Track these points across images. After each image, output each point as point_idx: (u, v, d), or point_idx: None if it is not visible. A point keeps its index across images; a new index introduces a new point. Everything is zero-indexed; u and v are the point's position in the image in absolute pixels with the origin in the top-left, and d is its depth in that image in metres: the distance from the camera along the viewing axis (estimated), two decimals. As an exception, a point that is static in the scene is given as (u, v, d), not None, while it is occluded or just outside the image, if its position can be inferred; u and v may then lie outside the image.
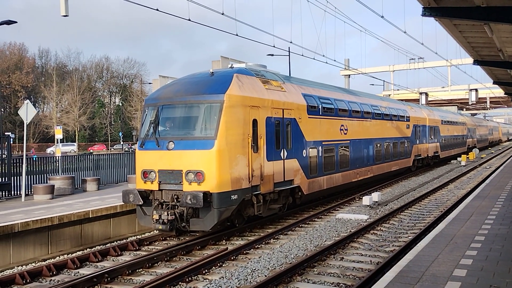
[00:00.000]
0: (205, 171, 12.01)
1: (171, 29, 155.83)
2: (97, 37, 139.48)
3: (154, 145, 12.93)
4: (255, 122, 13.32)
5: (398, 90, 61.15)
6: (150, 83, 78.11)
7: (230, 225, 13.66)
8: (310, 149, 16.49)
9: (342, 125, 19.22)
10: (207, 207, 11.95)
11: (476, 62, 21.23)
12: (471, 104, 59.59)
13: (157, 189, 12.73)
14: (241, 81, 13.38)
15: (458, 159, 39.67)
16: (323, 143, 17.47)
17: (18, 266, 11.11)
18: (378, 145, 23.23)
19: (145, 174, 12.94)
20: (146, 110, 13.73)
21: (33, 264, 11.31)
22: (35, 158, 21.10)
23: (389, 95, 60.36)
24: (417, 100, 49.28)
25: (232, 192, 12.31)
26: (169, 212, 12.12)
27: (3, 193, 16.92)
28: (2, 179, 16.88)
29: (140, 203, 12.75)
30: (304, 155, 16.04)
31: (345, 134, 19.52)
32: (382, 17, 18.93)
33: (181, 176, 12.31)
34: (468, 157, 41.15)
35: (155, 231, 14.05)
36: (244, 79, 13.66)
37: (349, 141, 19.84)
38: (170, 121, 13.21)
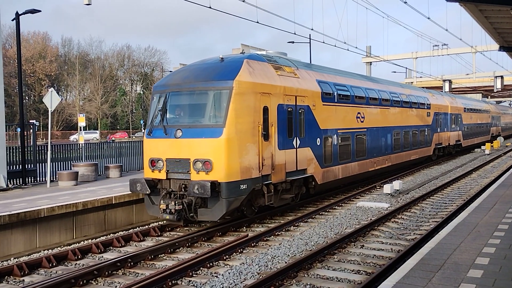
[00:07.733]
0: (213, 160, 11.67)
1: (218, 24, 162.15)
2: (145, 29, 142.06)
3: (161, 133, 12.62)
4: (266, 109, 12.86)
5: (421, 77, 60.24)
6: (171, 71, 78.54)
7: (241, 215, 13.40)
8: (325, 138, 16.07)
9: (358, 113, 18.80)
10: (216, 197, 11.63)
11: (502, 48, 20.79)
12: (496, 92, 58.42)
13: (165, 178, 12.41)
14: (252, 67, 12.92)
15: (482, 147, 39.02)
16: (338, 131, 17.08)
17: (44, 250, 11.41)
18: (397, 133, 22.85)
19: (153, 162, 12.66)
20: (154, 97, 13.32)
21: (59, 248, 11.58)
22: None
23: (412, 82, 59.52)
24: (440, 88, 48.52)
25: (241, 182, 11.92)
26: (176, 202, 11.76)
27: (30, 179, 17.36)
28: (28, 166, 17.29)
29: (147, 193, 12.40)
30: (318, 144, 15.62)
31: (362, 122, 19.11)
32: (405, 2, 18.64)
33: (189, 165, 11.96)
34: (492, 146, 40.43)
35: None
36: (255, 65, 13.19)
37: (366, 129, 19.47)
38: (178, 109, 12.86)
